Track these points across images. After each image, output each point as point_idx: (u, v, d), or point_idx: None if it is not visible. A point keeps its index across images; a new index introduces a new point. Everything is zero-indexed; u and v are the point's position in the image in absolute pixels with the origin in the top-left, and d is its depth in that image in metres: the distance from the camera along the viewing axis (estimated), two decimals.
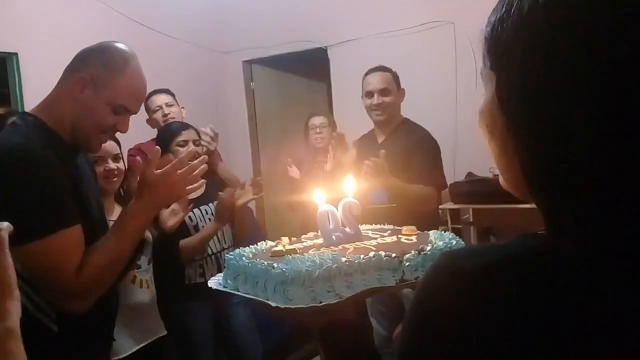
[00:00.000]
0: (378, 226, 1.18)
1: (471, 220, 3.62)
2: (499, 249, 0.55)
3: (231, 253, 1.04)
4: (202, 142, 2.70)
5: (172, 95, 3.15)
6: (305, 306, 0.81)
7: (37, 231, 1.30)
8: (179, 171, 1.47)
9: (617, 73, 0.45)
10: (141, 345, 2.18)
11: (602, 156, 0.46)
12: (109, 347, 1.69)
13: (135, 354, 2.11)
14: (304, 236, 1.16)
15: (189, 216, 2.47)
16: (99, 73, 1.45)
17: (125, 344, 2.09)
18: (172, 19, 4.32)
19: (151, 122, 3.08)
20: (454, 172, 3.63)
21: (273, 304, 0.83)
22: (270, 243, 1.12)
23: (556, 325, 0.47)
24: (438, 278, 0.54)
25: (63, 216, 1.34)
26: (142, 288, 2.27)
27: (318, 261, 0.85)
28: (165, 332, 2.33)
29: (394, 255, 0.90)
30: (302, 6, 4.50)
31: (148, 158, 1.51)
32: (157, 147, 1.53)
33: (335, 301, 0.82)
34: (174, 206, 2.29)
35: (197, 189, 1.54)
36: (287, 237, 1.12)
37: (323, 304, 0.81)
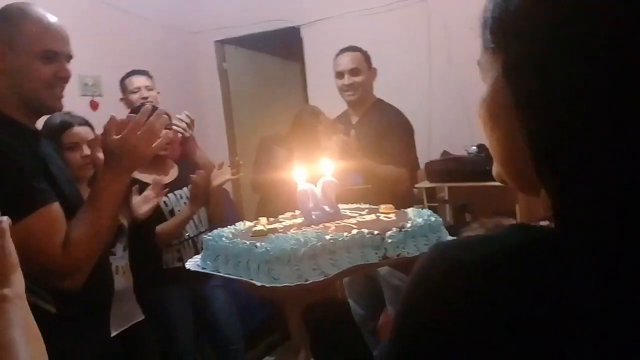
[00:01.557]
0: (354, 205, 1.18)
1: (447, 198, 3.65)
2: (493, 240, 0.54)
3: (209, 234, 1.02)
4: (177, 129, 2.65)
5: (151, 78, 3.10)
6: (291, 284, 0.80)
7: (15, 213, 1.27)
8: (139, 132, 1.46)
9: (633, 46, 0.44)
10: (119, 330, 2.17)
11: (619, 132, 0.44)
12: (107, 330, 1.71)
13: (113, 338, 2.10)
14: (281, 216, 1.15)
15: (164, 201, 2.45)
16: (6, 33, 1.42)
17: None
18: None
19: (127, 102, 3.04)
20: (428, 151, 3.65)
21: (258, 284, 0.82)
22: (248, 223, 1.11)
23: (559, 318, 0.46)
24: (432, 271, 0.53)
25: (38, 196, 1.34)
26: (118, 274, 2.25)
27: (302, 239, 0.84)
28: (142, 317, 2.33)
29: (376, 232, 0.89)
30: None
31: (106, 128, 1.50)
32: (112, 114, 1.51)
33: (321, 279, 0.82)
34: (146, 193, 2.26)
35: (162, 144, 1.54)
36: (265, 218, 1.11)
37: (309, 282, 0.81)
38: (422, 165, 3.15)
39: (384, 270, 2.64)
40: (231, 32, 4.66)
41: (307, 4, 4.31)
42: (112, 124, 1.49)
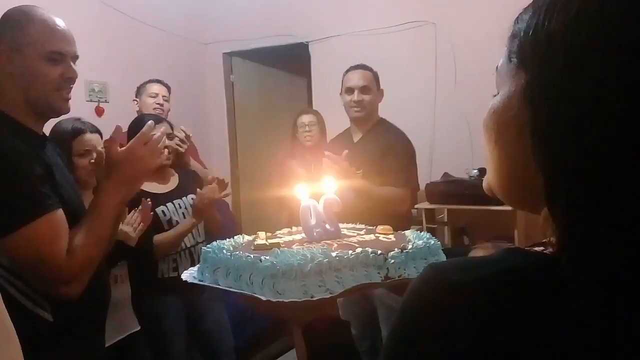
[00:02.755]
0: (351, 225, 1.18)
1: (446, 220, 3.65)
2: (488, 263, 0.53)
3: (208, 246, 1.01)
4: (173, 144, 2.65)
5: (169, 90, 3.19)
6: (298, 300, 0.79)
7: (18, 220, 1.30)
8: (144, 145, 1.46)
9: None
10: (115, 340, 2.16)
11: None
12: (102, 339, 1.68)
13: (109, 348, 2.09)
14: (278, 232, 1.15)
15: (162, 210, 2.44)
16: (11, 37, 1.42)
17: None
18: (151, 7, 4.26)
19: (140, 104, 3.10)
20: (430, 172, 3.66)
21: (264, 298, 0.81)
22: (247, 237, 1.11)
23: (551, 343, 0.46)
24: (426, 292, 0.53)
25: (42, 202, 1.34)
26: (117, 283, 2.25)
27: (309, 255, 0.84)
28: (138, 327, 2.31)
29: (379, 252, 0.89)
30: (285, 0, 4.48)
31: (112, 138, 1.50)
32: (118, 125, 1.52)
33: (328, 296, 0.81)
34: (129, 220, 2.16)
35: (164, 159, 1.54)
36: (264, 232, 1.10)
37: (316, 298, 0.80)
38: (422, 186, 3.15)
39: (379, 290, 2.63)
40: (240, 44, 4.70)
41: (317, 21, 4.35)
42: (117, 135, 1.50)
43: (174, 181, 2.59)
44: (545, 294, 0.48)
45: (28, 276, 1.37)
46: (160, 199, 2.46)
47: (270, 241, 1.01)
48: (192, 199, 2.53)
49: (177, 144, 2.69)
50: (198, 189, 2.44)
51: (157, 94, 3.08)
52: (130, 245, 2.10)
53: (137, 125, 2.45)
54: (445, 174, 3.60)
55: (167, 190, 2.52)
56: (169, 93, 3.18)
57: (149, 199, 2.19)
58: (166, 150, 2.48)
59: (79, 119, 2.28)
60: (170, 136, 2.55)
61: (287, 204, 3.18)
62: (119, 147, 1.46)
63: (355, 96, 2.80)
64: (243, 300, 0.89)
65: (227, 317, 2.71)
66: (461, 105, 3.71)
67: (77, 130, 2.19)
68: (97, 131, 2.26)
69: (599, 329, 0.45)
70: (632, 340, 0.44)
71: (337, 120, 3.15)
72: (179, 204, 2.51)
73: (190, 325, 2.55)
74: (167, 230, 2.43)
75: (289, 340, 3.78)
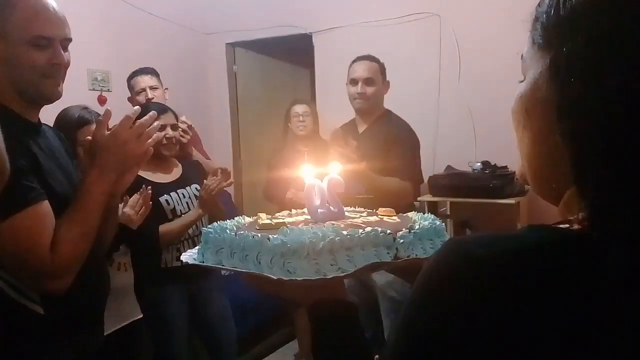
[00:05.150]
0: (351, 208, 1.16)
1: (448, 213, 3.64)
2: (512, 238, 0.52)
3: (209, 226, 0.96)
4: (177, 135, 2.64)
5: (157, 75, 3.10)
6: (312, 278, 0.77)
7: (2, 212, 1.24)
8: (130, 129, 1.40)
9: None
10: (117, 327, 2.17)
11: None
12: (100, 330, 1.64)
13: (110, 335, 2.10)
14: (278, 214, 1.12)
15: (166, 199, 2.44)
16: None
17: None
18: None
19: (133, 102, 3.03)
20: (433, 165, 3.65)
21: (274, 277, 0.78)
22: (248, 218, 1.07)
23: (576, 317, 0.46)
24: (449, 263, 0.52)
25: (23, 195, 1.28)
26: (120, 271, 2.25)
27: (320, 233, 0.82)
28: (140, 315, 2.32)
29: (388, 231, 0.88)
30: None
31: (99, 121, 1.44)
32: (108, 108, 1.46)
33: (341, 275, 0.79)
34: (131, 203, 2.17)
35: (152, 144, 1.47)
36: (264, 214, 1.07)
37: (330, 276, 0.78)
38: (425, 179, 3.15)
39: (381, 281, 2.63)
40: (243, 35, 4.68)
41: (321, 12, 4.32)
42: (107, 119, 1.44)
43: (177, 171, 2.59)
44: (572, 268, 0.47)
45: (13, 271, 1.33)
46: (164, 188, 2.46)
47: (275, 220, 0.99)
48: (195, 188, 2.53)
49: (180, 135, 2.68)
50: (204, 180, 2.43)
51: (143, 89, 3.00)
52: (132, 229, 2.10)
53: (142, 114, 2.44)
54: (449, 167, 3.60)
55: (170, 180, 2.52)
56: (157, 77, 3.09)
57: (149, 187, 2.19)
58: (170, 140, 2.49)
59: (85, 108, 2.27)
60: (175, 127, 2.54)
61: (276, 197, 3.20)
62: (105, 131, 1.40)
63: (359, 88, 2.79)
64: (248, 280, 0.86)
65: (230, 306, 2.72)
66: (465, 98, 3.69)
67: (82, 121, 2.19)
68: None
69: (631, 303, 0.45)
70: None
71: (341, 111, 3.14)
72: (182, 194, 2.51)
73: (192, 314, 2.56)
74: (170, 220, 2.43)
75: (290, 330, 3.81)
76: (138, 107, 1.47)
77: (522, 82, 0.58)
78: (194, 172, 2.63)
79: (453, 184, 3.36)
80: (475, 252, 0.51)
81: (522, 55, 0.58)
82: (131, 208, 2.10)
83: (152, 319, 2.41)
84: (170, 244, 2.42)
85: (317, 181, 1.04)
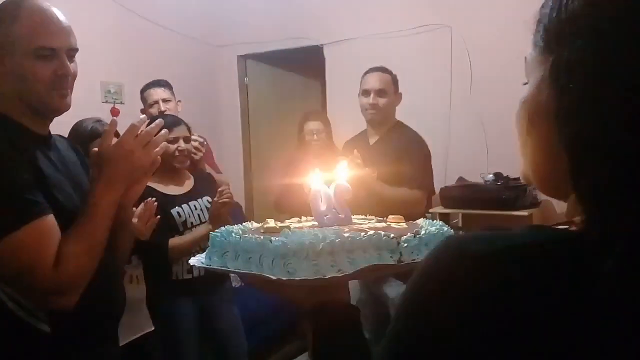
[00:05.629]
0: (361, 216, 1.16)
1: (460, 224, 3.62)
2: (510, 236, 0.52)
3: (217, 231, 0.98)
4: (190, 147, 2.63)
5: (170, 88, 3.12)
6: (310, 278, 0.78)
7: (4, 227, 1.21)
8: (136, 138, 1.36)
9: None
10: (129, 340, 2.18)
11: None
12: (114, 347, 1.59)
13: (123, 348, 2.10)
14: (287, 220, 1.12)
15: (178, 212, 2.45)
16: (1, 34, 1.32)
17: None
18: (167, 9, 4.29)
19: (146, 114, 3.05)
20: (445, 176, 3.63)
21: (274, 277, 0.79)
22: (256, 224, 1.08)
23: (571, 317, 0.45)
24: (441, 259, 0.52)
25: (27, 210, 1.25)
26: (132, 283, 2.26)
27: (320, 235, 0.83)
28: (152, 328, 2.32)
29: (392, 235, 0.88)
30: (299, 3, 4.48)
31: (105, 131, 1.41)
32: (114, 118, 1.46)
33: (340, 275, 0.79)
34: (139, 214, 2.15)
35: (160, 153, 1.43)
36: (272, 219, 1.06)
37: (328, 277, 0.78)
38: (437, 190, 3.14)
39: (393, 293, 2.62)
40: (255, 47, 4.71)
41: (332, 23, 4.34)
42: (112, 129, 1.40)
43: (189, 183, 2.59)
44: (568, 268, 0.47)
45: (17, 288, 1.29)
46: (175, 200, 2.47)
47: (280, 224, 1.00)
48: (207, 201, 2.54)
49: (192, 152, 2.68)
50: (215, 200, 2.42)
51: (156, 101, 3.02)
52: (142, 240, 2.11)
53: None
54: (460, 179, 3.58)
55: (182, 192, 2.53)
56: (170, 90, 3.10)
57: (153, 198, 2.19)
58: (182, 152, 2.50)
59: (99, 120, 2.29)
60: (187, 139, 2.55)
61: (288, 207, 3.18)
62: (110, 142, 1.36)
63: (371, 99, 2.80)
64: (251, 282, 0.87)
65: (241, 319, 2.71)
66: (477, 109, 3.68)
67: (95, 133, 2.20)
68: (116, 134, 2.28)
69: (626, 305, 0.44)
70: None
71: (352, 122, 3.14)
72: (194, 206, 2.51)
73: (203, 326, 2.55)
74: (182, 232, 2.44)
75: (302, 343, 3.79)
76: (144, 116, 1.44)
77: (525, 84, 0.57)
78: (205, 185, 2.64)
79: (465, 195, 3.34)
80: (470, 248, 0.50)
81: (525, 58, 0.57)
82: (139, 219, 2.11)
83: (163, 331, 2.41)
84: (179, 258, 2.42)
85: (323, 186, 1.04)
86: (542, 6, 0.54)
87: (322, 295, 0.83)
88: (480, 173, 3.45)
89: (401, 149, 2.74)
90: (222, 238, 0.93)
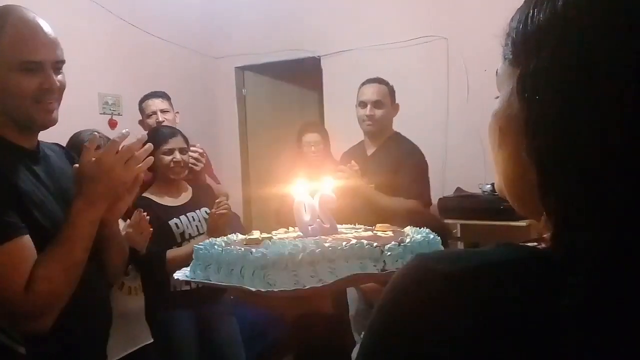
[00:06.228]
0: (350, 225, 1.15)
1: (459, 235, 3.62)
2: (476, 255, 0.52)
3: (201, 243, 0.97)
4: (186, 159, 2.62)
5: (168, 99, 3.12)
6: (288, 289, 0.77)
7: None
8: (117, 154, 1.31)
9: None
10: (127, 352, 2.17)
11: (635, 159, 0.43)
12: None
13: None
14: (274, 231, 1.11)
15: (175, 223, 2.44)
16: None
17: (112, 350, 2.06)
18: (165, 22, 4.30)
19: (144, 125, 3.05)
20: (443, 187, 3.63)
21: (253, 289, 0.79)
22: (241, 236, 1.07)
23: (532, 337, 0.45)
24: (408, 279, 0.52)
25: (2, 230, 1.20)
26: (131, 295, 2.25)
27: (300, 245, 0.82)
28: (151, 340, 2.31)
29: (375, 244, 0.87)
30: (297, 15, 4.50)
31: (85, 147, 1.36)
32: (95, 133, 1.41)
33: (320, 285, 0.78)
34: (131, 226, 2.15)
35: (143, 170, 1.39)
36: (258, 231, 1.07)
37: (308, 287, 0.78)
38: (435, 201, 3.13)
39: None
40: (252, 59, 4.73)
41: (329, 35, 4.36)
42: (93, 145, 1.35)
43: (187, 194, 2.59)
44: (533, 286, 0.47)
45: None
46: (173, 211, 2.46)
47: (262, 235, 0.99)
48: (205, 212, 2.53)
49: (191, 163, 2.67)
50: (213, 211, 2.42)
51: (154, 112, 3.01)
52: (140, 252, 2.10)
53: (151, 138, 2.45)
54: (458, 189, 3.58)
55: (180, 204, 2.52)
56: (168, 101, 3.10)
57: (141, 209, 2.18)
58: (178, 163, 2.49)
59: (96, 132, 2.29)
60: (183, 150, 2.55)
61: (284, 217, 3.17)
62: (91, 159, 1.32)
63: (368, 110, 2.81)
64: (235, 294, 0.86)
65: (239, 330, 2.70)
66: (473, 120, 3.66)
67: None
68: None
69: (589, 324, 0.44)
70: (623, 333, 0.44)
71: (349, 133, 3.15)
72: (192, 217, 2.51)
73: (202, 339, 2.54)
74: (180, 243, 2.43)
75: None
76: (127, 130, 1.39)
77: (497, 98, 0.57)
78: (204, 196, 2.63)
79: (463, 206, 3.35)
80: (435, 268, 0.50)
81: (496, 71, 0.57)
82: (133, 229, 2.10)
83: (162, 343, 2.40)
84: (176, 270, 2.39)
85: (307, 197, 1.03)
86: (511, 19, 0.54)
87: (304, 306, 0.82)
88: (478, 184, 3.45)
89: (398, 159, 2.75)
90: (205, 251, 0.93)
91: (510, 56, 0.53)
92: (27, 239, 1.24)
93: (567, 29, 0.47)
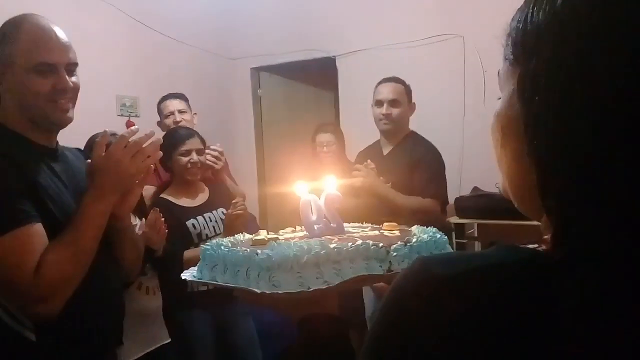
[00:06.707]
0: (357, 224, 1.15)
1: (476, 235, 3.60)
2: (476, 257, 0.52)
3: (207, 244, 0.98)
4: (207, 161, 2.65)
5: (186, 100, 3.15)
6: (293, 291, 0.77)
7: None
8: (124, 148, 1.40)
9: None
10: (145, 351, 2.18)
11: (635, 160, 0.43)
12: (113, 356, 1.58)
13: None
14: (281, 231, 1.12)
15: (192, 224, 2.46)
16: (2, 51, 1.38)
17: (130, 349, 2.08)
18: (181, 23, 4.33)
19: (162, 126, 3.09)
20: (459, 186, 3.61)
21: (258, 291, 0.79)
22: (248, 235, 1.08)
23: (532, 338, 0.45)
24: (408, 282, 0.52)
25: (12, 217, 1.27)
26: (149, 295, 2.26)
27: (305, 247, 0.82)
28: (169, 339, 2.33)
29: (381, 244, 0.87)
30: (312, 15, 4.51)
31: (97, 143, 1.44)
32: (106, 130, 1.48)
33: (324, 287, 0.78)
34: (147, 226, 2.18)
35: (150, 163, 1.46)
36: (265, 231, 1.07)
37: (312, 289, 0.78)
38: (451, 200, 3.12)
39: None
40: (267, 59, 4.74)
41: (344, 35, 4.36)
42: (104, 140, 1.43)
43: (204, 195, 2.61)
44: (532, 288, 0.47)
45: (2, 295, 1.30)
46: (190, 212, 2.48)
47: (268, 236, 1.00)
48: (222, 212, 2.54)
49: (210, 161, 2.67)
50: (229, 212, 2.43)
51: (172, 112, 3.05)
52: (158, 252, 2.12)
53: (168, 139, 2.48)
54: (475, 188, 3.56)
55: (197, 204, 2.54)
56: (186, 102, 3.13)
57: (157, 209, 2.21)
58: (195, 164, 2.51)
59: (113, 134, 2.31)
60: (200, 152, 2.56)
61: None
62: (102, 153, 1.40)
63: (384, 109, 2.80)
64: (240, 295, 0.87)
65: (256, 331, 2.71)
66: (490, 119, 3.65)
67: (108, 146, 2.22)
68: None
69: (588, 325, 0.44)
70: (622, 333, 0.43)
71: (365, 133, 3.14)
72: (209, 217, 2.52)
73: (219, 339, 2.55)
74: (197, 244, 2.44)
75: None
76: (136, 127, 1.47)
77: (499, 99, 0.57)
78: (220, 196, 2.64)
79: (480, 205, 3.32)
80: (435, 271, 0.50)
81: (498, 72, 0.57)
82: (150, 228, 2.12)
83: (179, 343, 2.41)
84: None
85: (313, 196, 1.03)
86: (512, 19, 0.54)
87: (310, 307, 0.83)
88: (495, 183, 3.42)
89: (415, 159, 2.74)
90: (212, 251, 0.93)
91: (511, 56, 0.53)
92: (38, 227, 1.30)
93: (566, 29, 0.47)
